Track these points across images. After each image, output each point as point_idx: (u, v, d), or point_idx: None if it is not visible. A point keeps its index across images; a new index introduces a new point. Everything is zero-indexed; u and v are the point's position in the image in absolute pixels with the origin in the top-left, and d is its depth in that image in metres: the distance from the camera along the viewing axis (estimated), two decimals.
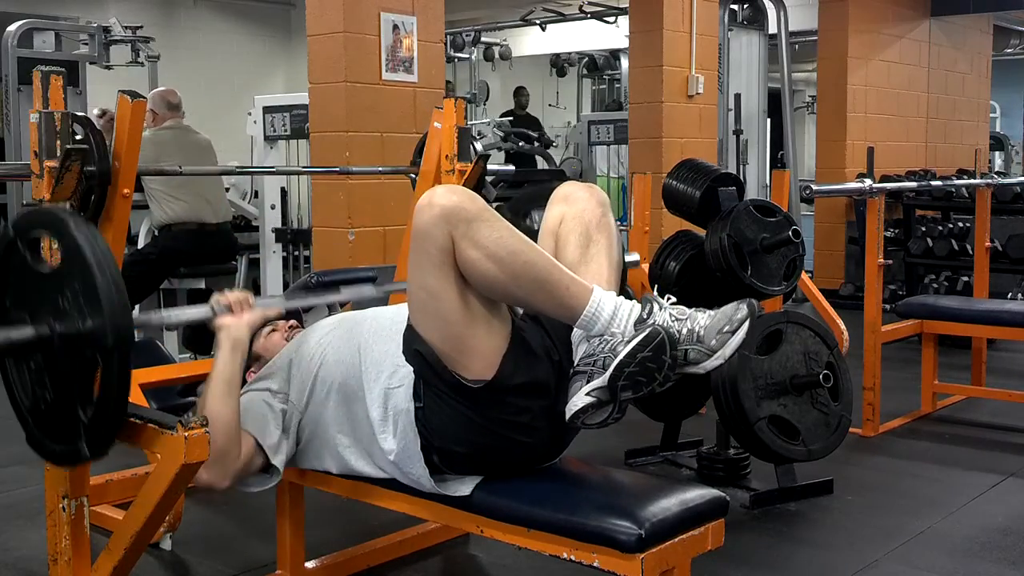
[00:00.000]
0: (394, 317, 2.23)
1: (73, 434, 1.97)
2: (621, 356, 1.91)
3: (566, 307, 1.99)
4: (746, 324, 1.94)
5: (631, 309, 1.98)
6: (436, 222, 1.94)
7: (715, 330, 1.94)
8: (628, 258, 3.06)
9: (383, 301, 3.15)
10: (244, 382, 2.33)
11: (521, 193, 3.23)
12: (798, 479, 3.48)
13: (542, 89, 11.47)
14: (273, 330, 2.50)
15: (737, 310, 1.95)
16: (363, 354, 2.19)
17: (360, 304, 2.69)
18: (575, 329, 2.03)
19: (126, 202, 2.71)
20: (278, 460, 2.22)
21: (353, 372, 2.19)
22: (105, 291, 1.87)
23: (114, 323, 1.87)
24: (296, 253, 6.13)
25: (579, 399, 1.97)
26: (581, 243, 2.16)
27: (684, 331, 1.95)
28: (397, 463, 2.14)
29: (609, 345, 1.95)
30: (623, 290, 2.18)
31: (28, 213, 2.12)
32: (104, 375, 1.90)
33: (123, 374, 1.90)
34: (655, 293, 2.04)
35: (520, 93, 10.20)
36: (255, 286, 7.26)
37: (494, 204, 2.59)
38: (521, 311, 2.14)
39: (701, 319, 1.96)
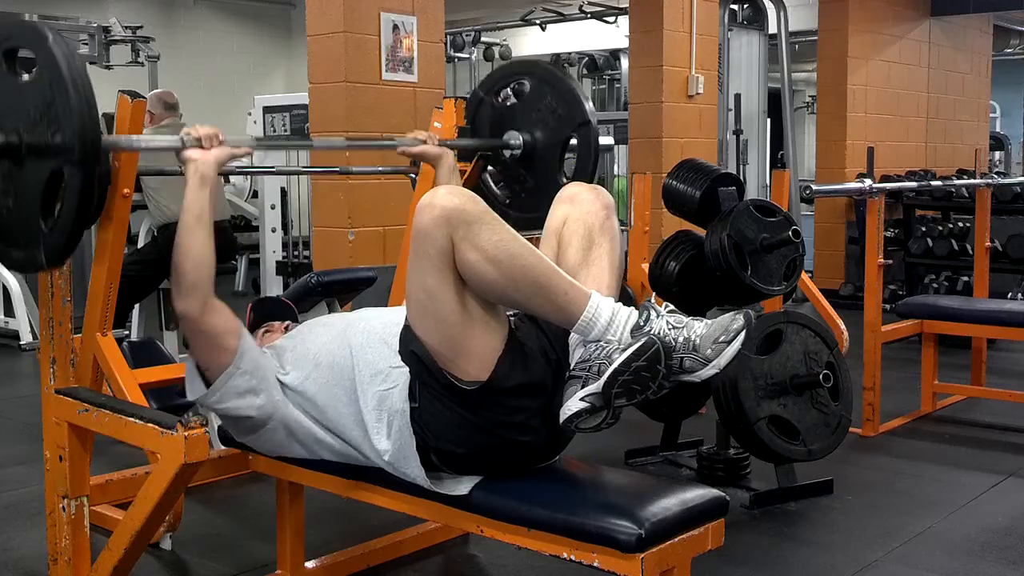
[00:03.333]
0: (388, 321, 2.23)
1: (32, 242, 2.02)
2: (616, 364, 1.92)
3: (564, 312, 1.99)
4: (742, 335, 1.94)
5: (628, 316, 1.98)
6: (437, 223, 1.94)
7: (711, 339, 1.94)
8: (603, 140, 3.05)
9: (383, 300, 3.16)
10: None
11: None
12: (798, 479, 3.48)
13: None
14: (268, 331, 2.50)
15: (733, 320, 1.96)
16: (356, 356, 2.19)
17: (360, 303, 2.70)
18: (572, 333, 2.03)
19: (126, 202, 2.72)
20: (245, 346, 2.21)
21: (346, 374, 2.19)
22: (77, 107, 1.90)
23: (82, 138, 1.90)
24: (296, 253, 6.14)
25: (573, 404, 1.97)
26: (584, 245, 2.16)
27: (680, 339, 1.95)
28: (392, 463, 2.14)
29: (605, 352, 1.95)
30: (623, 290, 2.18)
31: (6, 23, 2.12)
32: (69, 188, 1.94)
33: (86, 190, 1.93)
34: (653, 299, 2.04)
35: None
36: (255, 286, 7.26)
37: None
38: (515, 312, 2.14)
39: (698, 328, 1.96)
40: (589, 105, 2.82)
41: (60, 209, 1.96)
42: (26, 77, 2.03)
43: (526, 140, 2.87)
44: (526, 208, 2.87)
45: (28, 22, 2.12)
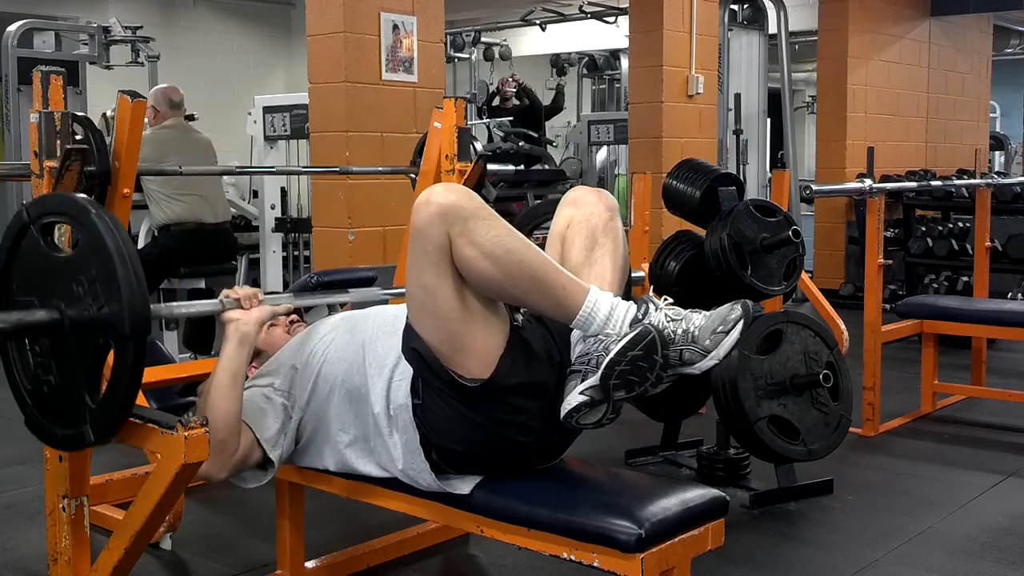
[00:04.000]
0: (397, 314, 2.24)
1: (78, 419, 1.99)
2: (612, 354, 1.92)
3: (562, 306, 1.99)
4: (740, 324, 1.95)
5: (627, 309, 1.99)
6: (433, 220, 1.94)
7: (709, 330, 1.95)
8: (633, 274, 3.09)
9: (384, 301, 3.15)
10: (245, 377, 2.33)
11: (536, 204, 3.28)
12: (798, 479, 3.48)
13: (542, 89, 11.47)
14: (273, 324, 2.50)
15: (731, 311, 1.96)
16: (367, 350, 2.19)
17: (363, 304, 2.70)
18: (573, 330, 2.04)
19: (126, 202, 2.72)
20: (275, 455, 2.22)
21: (357, 369, 2.19)
22: (126, 280, 1.88)
23: (132, 311, 1.88)
24: (296, 252, 6.13)
25: (573, 398, 1.97)
26: (586, 245, 2.16)
27: (679, 331, 1.96)
28: (401, 461, 2.14)
29: (603, 345, 1.96)
30: (627, 295, 2.19)
31: (44, 198, 2.13)
32: (118, 362, 1.92)
33: (137, 361, 1.92)
34: (652, 294, 2.05)
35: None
36: (255, 285, 7.25)
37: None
38: (525, 311, 2.14)
39: (696, 319, 1.97)
40: None
41: (111, 381, 1.93)
42: (63, 252, 2.03)
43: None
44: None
45: (68, 195, 2.12)
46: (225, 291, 2.29)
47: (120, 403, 1.94)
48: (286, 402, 2.27)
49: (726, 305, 1.98)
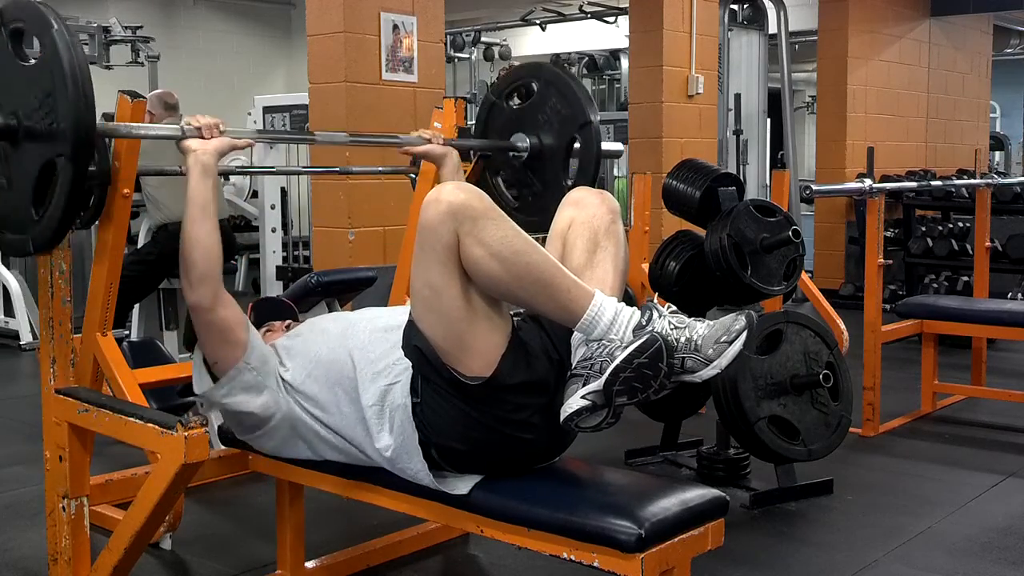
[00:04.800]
0: (389, 318, 2.24)
1: (24, 227, 2.04)
2: (617, 361, 1.92)
3: (567, 310, 1.99)
4: (743, 335, 1.95)
5: (631, 315, 1.99)
6: (442, 218, 1.94)
7: (712, 340, 1.94)
8: (612, 146, 3.08)
9: (384, 299, 3.16)
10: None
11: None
12: (798, 479, 3.48)
13: None
14: (269, 330, 2.51)
15: (735, 321, 1.96)
16: (357, 356, 2.19)
17: (361, 302, 2.70)
18: (575, 332, 2.04)
19: (126, 202, 2.71)
20: (254, 356, 2.22)
21: (347, 372, 2.19)
22: (73, 97, 1.90)
23: (76, 129, 1.91)
24: (296, 253, 6.14)
25: (574, 402, 1.97)
26: (588, 248, 2.16)
27: (682, 339, 1.96)
28: (393, 459, 2.14)
29: (607, 350, 1.96)
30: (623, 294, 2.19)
31: (15, 3, 2.13)
32: (60, 180, 1.95)
33: (77, 182, 1.94)
34: (655, 299, 2.05)
35: None
36: (255, 286, 7.26)
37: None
38: (520, 311, 2.14)
39: (699, 328, 1.97)
40: (591, 106, 2.82)
41: (52, 198, 1.97)
42: (32, 61, 2.03)
43: (533, 143, 2.88)
44: (533, 211, 2.88)
45: (36, 4, 2.11)
46: (186, 118, 2.31)
47: (58, 221, 1.98)
48: (282, 384, 2.27)
49: (730, 315, 1.98)
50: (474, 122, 3.11)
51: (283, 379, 2.26)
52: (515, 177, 2.97)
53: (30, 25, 2.02)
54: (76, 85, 1.90)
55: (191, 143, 2.27)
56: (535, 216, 2.80)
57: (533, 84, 2.93)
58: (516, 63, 9.80)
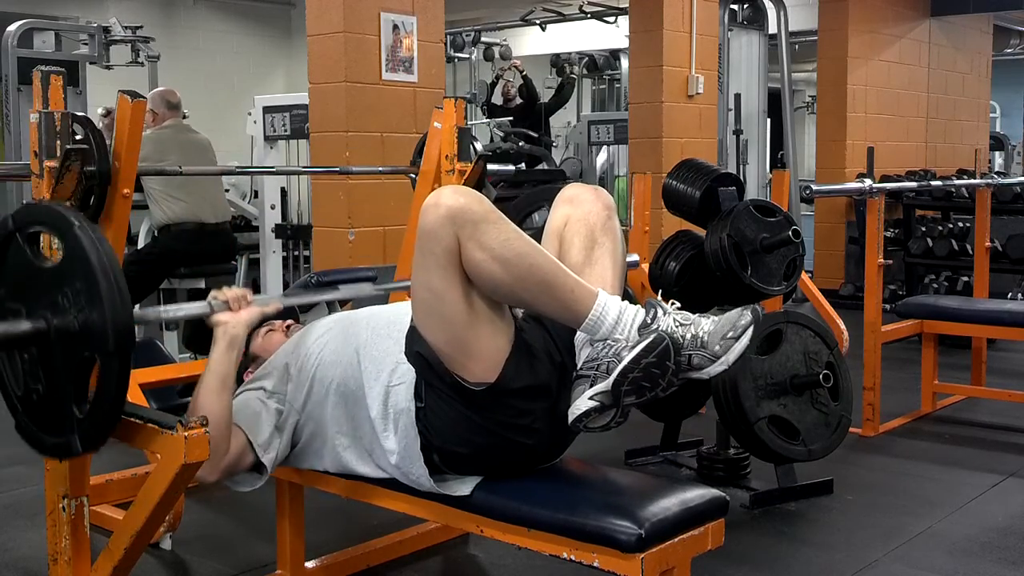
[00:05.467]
0: (392, 315, 2.23)
1: (66, 428, 1.99)
2: (625, 362, 1.92)
3: (571, 311, 1.99)
4: (750, 330, 1.94)
5: (635, 314, 1.98)
6: (442, 223, 1.93)
7: (719, 335, 1.94)
8: (627, 259, 3.13)
9: (383, 300, 3.15)
10: (241, 381, 2.33)
11: (525, 194, 3.29)
12: (798, 479, 3.48)
13: (542, 89, 11.47)
14: (271, 330, 2.50)
15: (741, 316, 1.95)
16: (362, 353, 2.19)
17: (360, 303, 2.70)
18: (578, 332, 2.03)
19: (126, 202, 2.71)
20: (268, 458, 2.22)
21: (352, 371, 2.19)
22: (108, 296, 1.88)
23: (116, 327, 1.88)
24: (296, 253, 6.13)
25: (582, 403, 1.97)
26: (586, 245, 2.16)
27: (688, 336, 1.95)
28: (398, 464, 2.14)
29: (613, 350, 1.95)
30: (623, 291, 2.19)
31: (29, 207, 2.13)
32: (103, 376, 1.91)
33: (123, 375, 1.91)
34: (659, 297, 2.04)
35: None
36: (255, 286, 7.26)
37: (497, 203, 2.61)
38: (522, 312, 2.14)
39: (705, 324, 1.96)
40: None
41: (97, 393, 1.93)
42: (50, 263, 2.02)
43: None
44: None
45: (52, 205, 2.12)
46: (213, 292, 2.29)
47: (106, 415, 1.94)
48: (280, 406, 2.26)
49: (735, 310, 1.98)
50: None
51: (288, 394, 2.26)
52: None
53: (47, 227, 2.02)
54: (108, 277, 1.89)
55: (221, 316, 2.24)
56: None
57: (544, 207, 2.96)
58: (516, 62, 9.77)
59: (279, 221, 5.98)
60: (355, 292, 2.74)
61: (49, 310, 1.96)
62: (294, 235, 5.94)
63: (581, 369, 2.01)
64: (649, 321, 1.96)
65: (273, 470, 2.26)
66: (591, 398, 1.96)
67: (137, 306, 5.30)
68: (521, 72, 9.45)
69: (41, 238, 2.11)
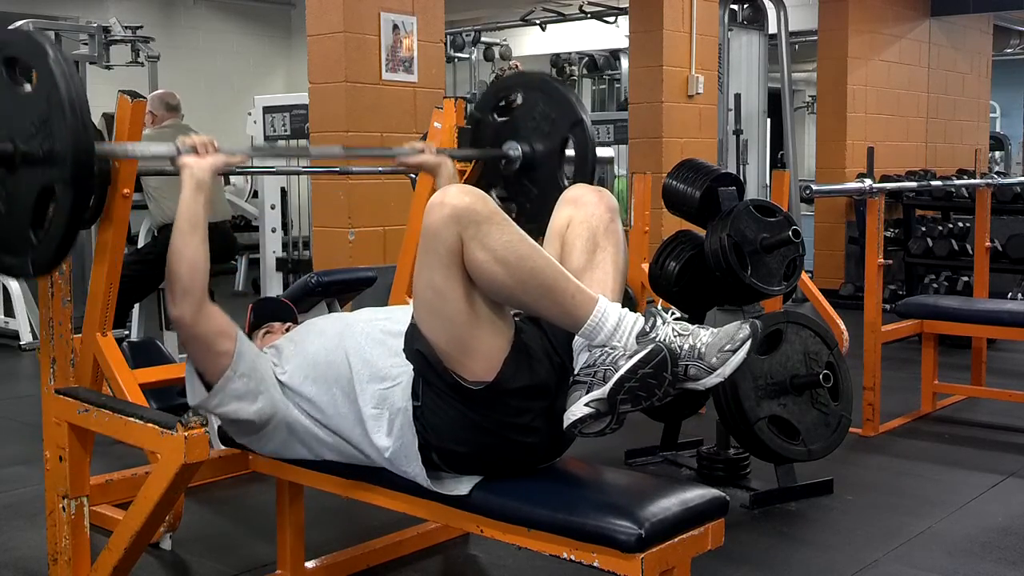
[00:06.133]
0: (387, 321, 2.23)
1: (22, 251, 2.05)
2: (622, 371, 1.92)
3: (570, 316, 1.99)
4: (748, 344, 1.94)
5: (634, 322, 1.98)
6: (446, 222, 1.93)
7: (716, 348, 1.94)
8: (603, 152, 3.08)
9: (383, 300, 3.16)
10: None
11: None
12: (798, 479, 3.48)
13: None
14: (268, 332, 2.50)
15: (740, 329, 1.95)
16: (353, 358, 2.18)
17: (359, 304, 2.70)
18: (576, 337, 2.03)
19: (126, 202, 2.72)
20: (242, 349, 2.21)
21: (344, 373, 2.18)
22: (71, 126, 1.91)
23: (74, 157, 1.92)
24: (296, 254, 6.14)
25: (578, 409, 1.97)
26: (588, 248, 2.16)
27: (686, 347, 1.95)
28: (392, 460, 2.14)
29: (611, 358, 1.95)
30: (623, 293, 2.18)
31: (8, 32, 2.16)
32: (58, 205, 1.96)
33: (76, 207, 1.95)
34: (659, 305, 2.04)
35: None
36: (255, 286, 7.25)
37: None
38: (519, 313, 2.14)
39: (703, 336, 1.96)
40: (582, 105, 2.83)
41: (50, 221, 1.98)
42: (26, 88, 2.04)
43: (525, 150, 2.87)
44: (533, 218, 2.88)
45: (31, 33, 2.12)
46: (181, 137, 2.32)
47: (58, 244, 1.99)
48: (278, 387, 2.26)
49: (734, 323, 1.98)
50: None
51: (280, 381, 2.26)
52: (510, 188, 2.97)
53: (24, 53, 2.03)
54: (74, 111, 1.92)
55: (186, 159, 2.28)
56: (535, 222, 2.81)
57: (518, 93, 2.93)
58: (515, 63, 9.77)
59: (278, 224, 5.99)
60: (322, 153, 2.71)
61: (18, 135, 2.00)
62: (295, 269, 5.95)
63: (578, 374, 2.01)
64: (648, 329, 1.96)
65: (229, 406, 2.21)
66: (587, 404, 1.96)
67: (136, 308, 5.31)
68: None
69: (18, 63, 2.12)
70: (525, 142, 2.87)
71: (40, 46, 1.98)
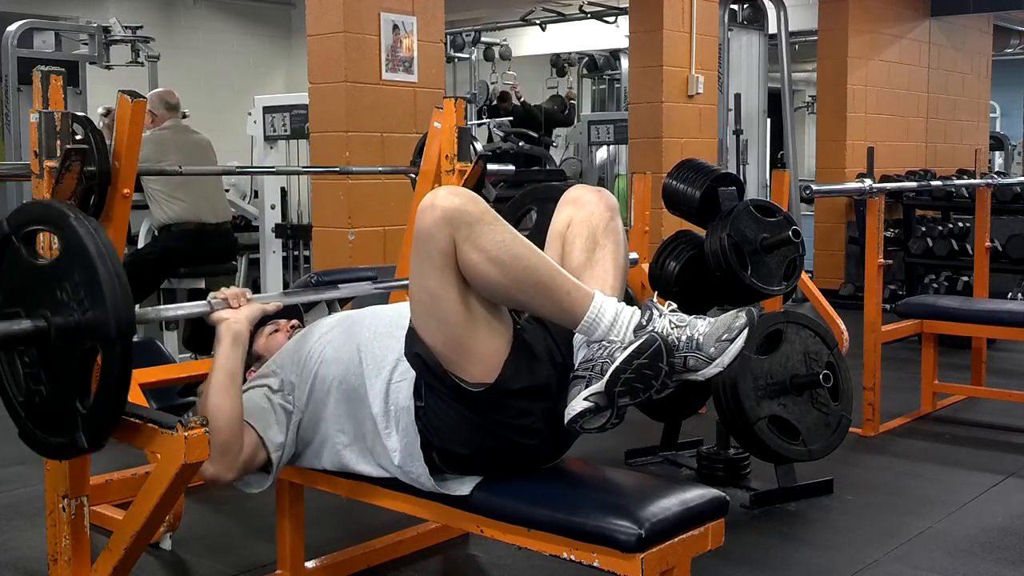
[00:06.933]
0: (394, 314, 2.24)
1: (71, 426, 1.98)
2: (618, 362, 1.92)
3: (567, 312, 1.99)
4: (745, 332, 1.94)
5: (631, 315, 1.98)
6: (438, 224, 1.93)
7: (714, 338, 1.94)
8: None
9: (384, 299, 3.15)
10: (244, 380, 2.33)
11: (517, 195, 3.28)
12: (798, 479, 3.48)
13: (542, 89, 11.47)
14: (276, 330, 2.51)
15: (736, 318, 1.96)
16: (363, 351, 2.19)
17: (361, 302, 2.70)
18: (576, 333, 2.03)
19: (126, 202, 2.71)
20: (277, 456, 2.22)
21: (354, 369, 2.19)
22: (108, 282, 1.88)
23: (117, 314, 1.87)
24: (296, 253, 6.13)
25: (577, 404, 1.97)
26: (587, 247, 2.16)
27: (683, 338, 1.95)
28: (401, 464, 2.14)
29: (608, 351, 1.96)
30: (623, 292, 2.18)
31: (24, 207, 2.13)
32: (106, 366, 1.91)
33: (125, 364, 1.91)
34: (656, 299, 2.04)
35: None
36: (255, 286, 7.26)
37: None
38: (524, 313, 2.14)
39: (700, 326, 1.96)
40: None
41: (99, 386, 1.93)
42: (46, 260, 2.02)
43: None
44: None
45: (46, 203, 2.12)
46: (212, 293, 2.30)
47: (111, 407, 1.93)
48: (286, 404, 2.27)
49: (731, 312, 1.98)
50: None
51: (293, 394, 2.27)
52: None
53: (44, 224, 2.02)
54: (106, 265, 1.88)
55: (222, 314, 2.26)
56: None
57: (532, 210, 2.94)
58: (514, 84, 9.76)
59: (279, 221, 5.99)
60: (355, 291, 2.73)
61: (48, 308, 1.96)
62: (294, 235, 5.94)
63: (577, 370, 2.01)
64: (644, 322, 1.96)
65: (280, 469, 2.26)
66: (586, 399, 1.96)
67: (137, 306, 5.31)
68: (519, 98, 9.44)
69: (39, 239, 2.11)
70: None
71: (59, 212, 1.96)
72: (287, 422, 2.26)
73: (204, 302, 2.28)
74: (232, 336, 2.22)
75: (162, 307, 2.49)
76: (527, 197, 3.17)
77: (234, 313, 2.26)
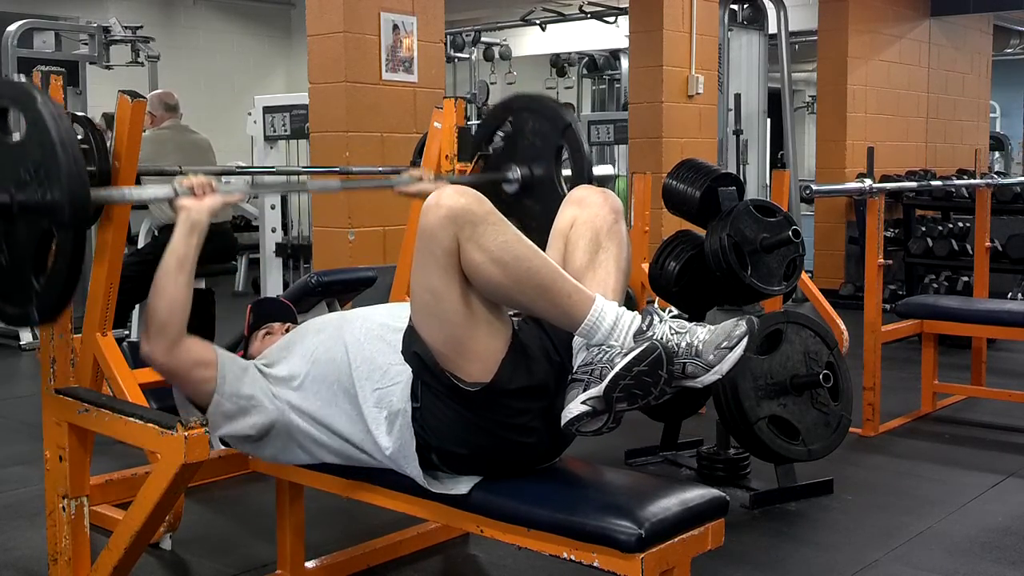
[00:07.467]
0: (386, 317, 2.23)
1: (25, 300, 2.05)
2: (617, 368, 1.92)
3: (568, 315, 1.99)
4: (744, 340, 1.94)
5: (632, 320, 1.98)
6: (442, 223, 1.93)
7: (713, 345, 1.94)
8: (602, 170, 3.06)
9: (383, 299, 3.16)
10: None
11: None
12: (798, 479, 3.48)
13: (542, 89, 11.48)
14: (268, 333, 2.50)
15: (736, 326, 1.96)
16: (352, 353, 2.18)
17: (359, 303, 2.70)
18: (575, 336, 2.03)
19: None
20: (224, 371, 2.19)
21: (344, 370, 2.18)
22: (67, 169, 1.92)
23: (72, 201, 1.92)
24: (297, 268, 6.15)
25: (575, 407, 1.97)
26: (590, 249, 2.15)
27: (683, 344, 1.95)
28: (393, 459, 2.14)
29: (607, 356, 1.95)
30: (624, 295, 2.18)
31: None
32: (59, 249, 1.96)
33: (77, 249, 1.95)
34: (656, 303, 2.05)
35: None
36: (255, 286, 7.26)
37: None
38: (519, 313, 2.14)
39: (700, 333, 1.96)
40: (565, 109, 2.82)
41: (52, 267, 1.98)
42: (16, 136, 2.04)
43: (523, 172, 2.85)
44: (539, 232, 2.87)
45: (18, 83, 2.14)
46: (179, 178, 2.31)
47: (62, 289, 1.99)
48: (267, 398, 2.24)
49: (731, 320, 1.98)
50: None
51: (276, 387, 2.25)
52: (513, 211, 2.95)
53: (13, 102, 2.04)
54: (66, 151, 1.92)
55: (184, 202, 2.27)
56: (544, 234, 2.80)
57: (508, 121, 2.92)
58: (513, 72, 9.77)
59: (278, 224, 6.00)
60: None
61: (14, 184, 2.00)
62: (294, 254, 5.95)
63: (576, 373, 2.01)
64: (645, 328, 1.96)
65: (224, 428, 2.21)
66: (583, 403, 1.96)
67: (136, 309, 5.30)
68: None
69: (9, 114, 2.12)
70: (522, 163, 2.85)
71: (28, 93, 1.99)
72: (257, 400, 2.21)
73: (168, 186, 2.30)
74: (190, 225, 2.24)
75: (126, 188, 2.51)
76: (503, 108, 3.11)
77: (196, 202, 2.27)
